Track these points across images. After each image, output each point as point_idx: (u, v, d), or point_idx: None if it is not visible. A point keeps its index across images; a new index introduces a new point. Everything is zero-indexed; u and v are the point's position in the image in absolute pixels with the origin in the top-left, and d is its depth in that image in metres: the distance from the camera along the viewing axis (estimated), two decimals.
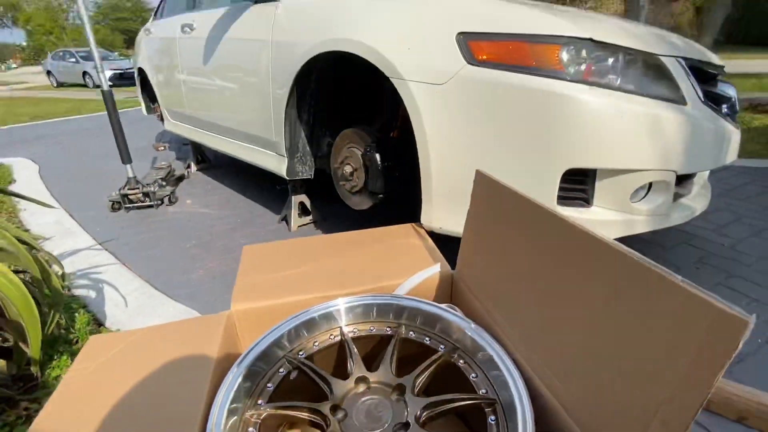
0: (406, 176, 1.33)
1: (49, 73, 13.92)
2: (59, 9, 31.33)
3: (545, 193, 0.92)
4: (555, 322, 0.59)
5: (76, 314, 1.24)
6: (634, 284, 0.44)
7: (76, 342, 1.13)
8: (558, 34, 0.90)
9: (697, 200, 1.24)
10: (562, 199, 0.95)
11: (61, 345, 1.09)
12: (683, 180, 1.14)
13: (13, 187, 2.71)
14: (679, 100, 0.99)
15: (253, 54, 1.61)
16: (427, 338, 0.78)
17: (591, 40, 0.91)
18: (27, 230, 1.97)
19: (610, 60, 0.95)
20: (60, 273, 1.12)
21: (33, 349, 0.84)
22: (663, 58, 1.00)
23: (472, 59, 0.95)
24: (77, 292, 1.40)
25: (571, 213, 0.95)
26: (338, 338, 0.78)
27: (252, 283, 0.87)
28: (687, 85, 1.02)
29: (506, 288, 0.74)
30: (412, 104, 1.02)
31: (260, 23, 1.58)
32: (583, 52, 0.92)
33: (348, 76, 1.53)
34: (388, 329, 0.80)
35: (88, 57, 12.41)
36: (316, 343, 0.77)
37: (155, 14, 3.03)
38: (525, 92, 0.89)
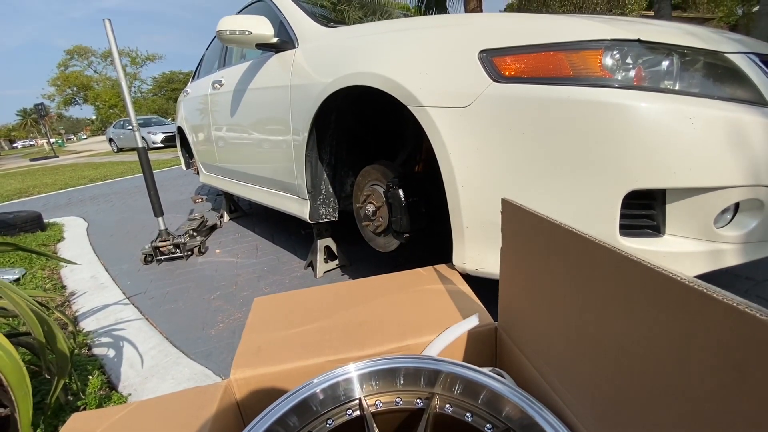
0: (435, 213, 1.20)
1: (111, 140, 15.51)
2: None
3: (603, 222, 0.76)
4: (643, 396, 0.42)
5: (90, 377, 1.17)
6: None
7: (84, 409, 1.04)
8: (597, 38, 0.78)
9: None
10: (626, 229, 0.78)
11: (67, 414, 1.01)
12: None
13: (61, 244, 2.85)
14: (758, 100, 0.82)
15: (274, 100, 1.61)
16: (468, 414, 0.61)
17: (638, 41, 0.78)
18: (64, 286, 2.00)
19: (665, 63, 0.80)
20: (71, 333, 1.05)
21: (23, 425, 0.75)
22: (729, 56, 0.84)
23: (498, 76, 0.84)
24: (97, 351, 1.35)
25: (640, 245, 0.77)
26: (357, 413, 0.63)
27: (258, 344, 0.75)
28: (764, 82, 0.84)
29: (566, 346, 0.57)
30: (433, 131, 0.92)
31: (280, 70, 1.59)
32: (630, 57, 0.79)
33: (368, 113, 1.48)
34: (418, 401, 0.65)
35: (145, 123, 13.75)
36: (330, 421, 0.63)
37: (193, 77, 3.25)
38: (566, 105, 0.75)
